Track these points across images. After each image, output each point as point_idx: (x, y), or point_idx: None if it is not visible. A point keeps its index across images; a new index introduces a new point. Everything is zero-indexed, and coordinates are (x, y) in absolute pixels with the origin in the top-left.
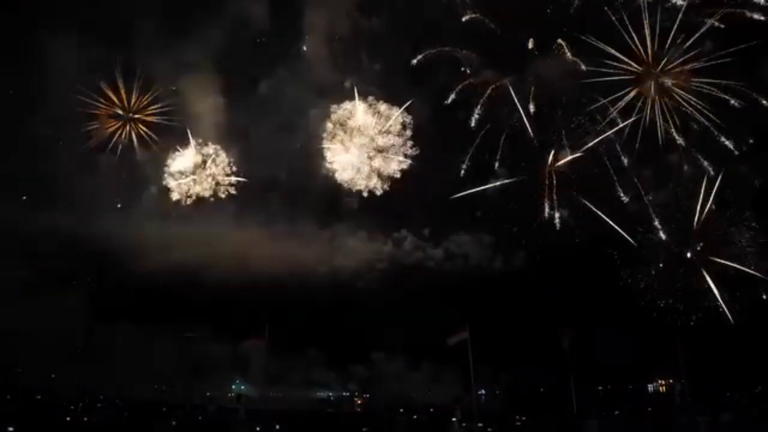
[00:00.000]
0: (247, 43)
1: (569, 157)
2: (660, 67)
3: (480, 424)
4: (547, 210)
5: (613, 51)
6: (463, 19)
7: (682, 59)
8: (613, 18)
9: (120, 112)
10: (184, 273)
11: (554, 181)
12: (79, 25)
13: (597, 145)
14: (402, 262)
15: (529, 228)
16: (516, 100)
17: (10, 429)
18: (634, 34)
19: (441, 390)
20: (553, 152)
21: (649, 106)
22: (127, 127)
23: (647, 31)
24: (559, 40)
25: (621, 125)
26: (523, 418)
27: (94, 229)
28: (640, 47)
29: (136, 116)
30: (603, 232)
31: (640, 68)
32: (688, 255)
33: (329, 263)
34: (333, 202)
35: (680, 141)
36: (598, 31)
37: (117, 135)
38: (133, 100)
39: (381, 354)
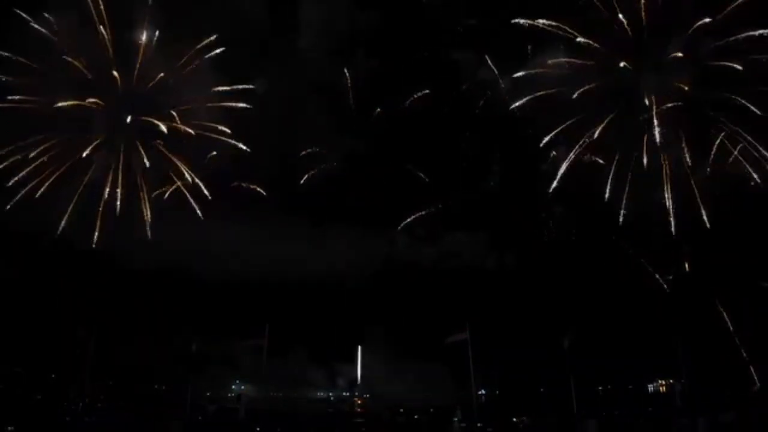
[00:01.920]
0: (244, 40)
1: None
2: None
3: (480, 424)
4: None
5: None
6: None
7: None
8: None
9: (98, 101)
10: (181, 273)
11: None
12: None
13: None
14: (395, 261)
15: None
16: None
17: (10, 429)
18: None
19: (441, 390)
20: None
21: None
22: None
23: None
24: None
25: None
26: (523, 418)
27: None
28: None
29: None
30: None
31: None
32: None
33: (322, 262)
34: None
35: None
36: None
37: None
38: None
39: (380, 354)
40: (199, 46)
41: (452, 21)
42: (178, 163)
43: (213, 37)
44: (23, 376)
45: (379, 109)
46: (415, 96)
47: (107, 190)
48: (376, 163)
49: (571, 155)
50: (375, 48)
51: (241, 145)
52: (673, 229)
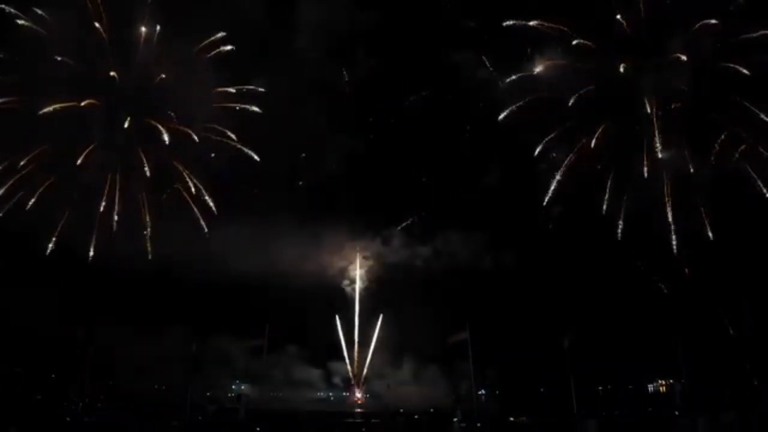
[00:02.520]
0: (243, 40)
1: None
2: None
3: (479, 424)
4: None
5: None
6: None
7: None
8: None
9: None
10: (180, 273)
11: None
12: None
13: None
14: (394, 260)
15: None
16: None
17: (12, 430)
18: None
19: (441, 390)
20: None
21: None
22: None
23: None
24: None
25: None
26: (523, 418)
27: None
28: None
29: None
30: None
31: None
32: None
33: (321, 262)
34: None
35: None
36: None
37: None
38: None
39: (381, 354)
40: (202, 45)
41: (452, 21)
42: (181, 169)
43: (220, 35)
44: (23, 376)
45: (378, 109)
46: (414, 97)
47: (103, 202)
48: (376, 163)
49: (571, 155)
50: (374, 48)
51: (253, 155)
52: (674, 245)
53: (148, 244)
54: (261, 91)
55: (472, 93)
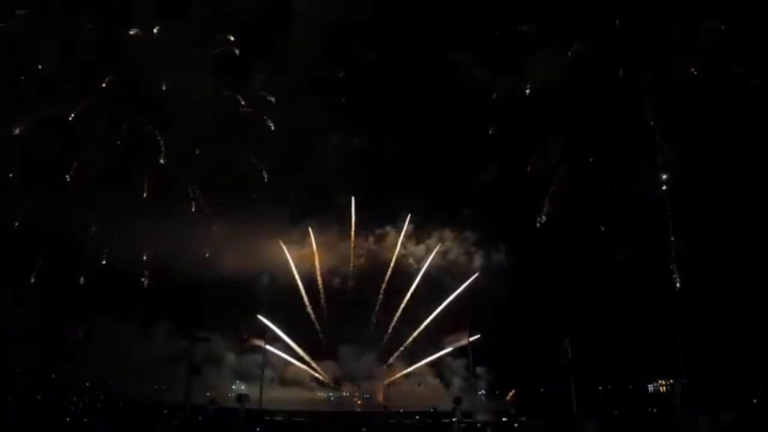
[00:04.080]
0: (240, 37)
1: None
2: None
3: (479, 424)
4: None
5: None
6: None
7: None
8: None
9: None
10: (179, 274)
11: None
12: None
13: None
14: (385, 258)
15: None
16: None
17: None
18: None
19: (440, 390)
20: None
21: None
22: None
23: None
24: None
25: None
26: (523, 418)
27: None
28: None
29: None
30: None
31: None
32: None
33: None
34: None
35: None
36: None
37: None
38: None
39: (381, 354)
40: (201, 45)
41: (449, 21)
42: (180, 176)
43: (221, 35)
44: (23, 376)
45: (375, 108)
46: (413, 94)
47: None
48: (373, 160)
49: (570, 157)
50: (371, 43)
51: (264, 173)
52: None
53: (145, 250)
54: (262, 94)
55: (469, 92)
